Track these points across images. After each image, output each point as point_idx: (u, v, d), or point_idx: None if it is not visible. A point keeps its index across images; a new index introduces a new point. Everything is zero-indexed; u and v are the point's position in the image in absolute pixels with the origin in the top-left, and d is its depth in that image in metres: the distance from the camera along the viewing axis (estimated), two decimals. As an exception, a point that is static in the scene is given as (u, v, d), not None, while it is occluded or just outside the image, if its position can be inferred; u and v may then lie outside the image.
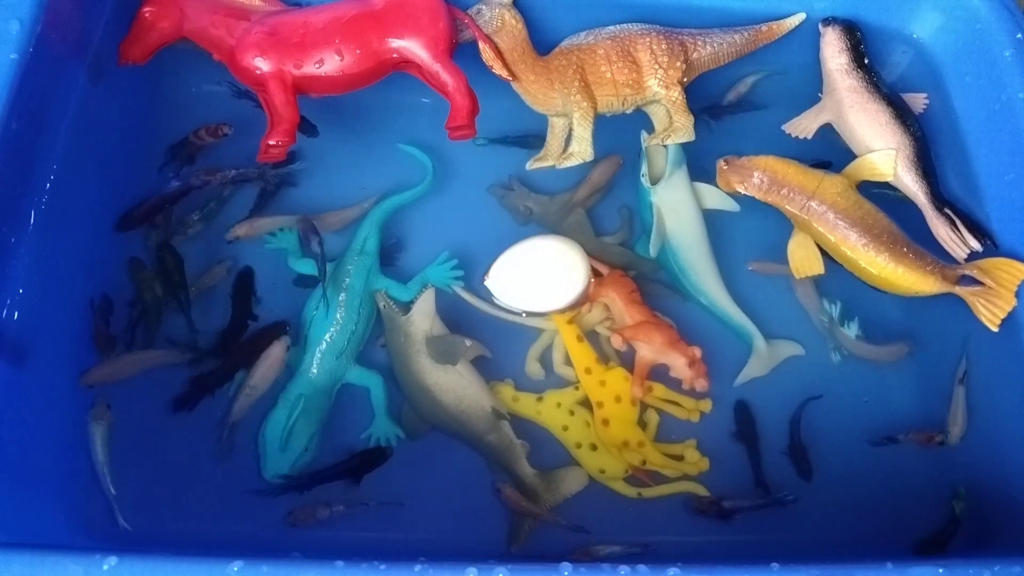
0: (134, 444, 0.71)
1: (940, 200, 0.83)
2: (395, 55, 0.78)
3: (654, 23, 0.86)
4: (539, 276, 0.78)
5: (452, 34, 0.79)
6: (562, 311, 0.80)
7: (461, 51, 0.81)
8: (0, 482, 0.63)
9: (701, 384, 0.77)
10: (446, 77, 0.78)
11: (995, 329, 0.76)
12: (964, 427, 0.78)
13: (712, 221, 0.85)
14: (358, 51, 0.77)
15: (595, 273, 0.82)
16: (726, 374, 0.80)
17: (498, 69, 0.80)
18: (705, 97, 0.89)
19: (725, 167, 0.82)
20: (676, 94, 0.84)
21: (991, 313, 0.77)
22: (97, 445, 0.69)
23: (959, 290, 0.78)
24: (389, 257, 0.82)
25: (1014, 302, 0.76)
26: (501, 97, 0.83)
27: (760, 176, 0.80)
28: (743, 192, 0.81)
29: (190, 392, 0.73)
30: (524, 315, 0.80)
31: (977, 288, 0.78)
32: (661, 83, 0.83)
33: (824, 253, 0.81)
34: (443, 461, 0.75)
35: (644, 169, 0.84)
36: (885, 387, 0.82)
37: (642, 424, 0.78)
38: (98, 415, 0.70)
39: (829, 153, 0.87)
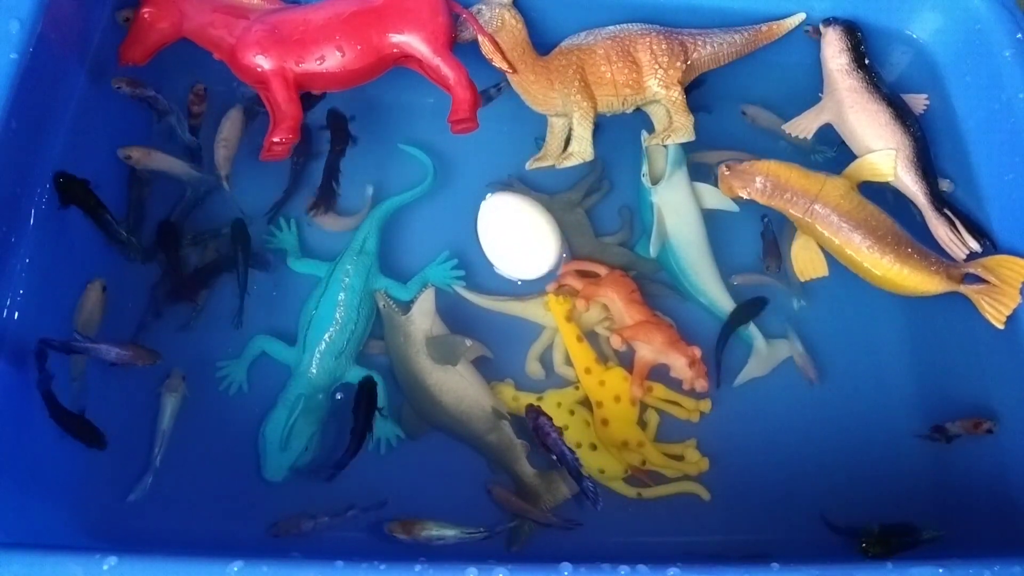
0: (135, 444, 0.71)
1: (939, 200, 0.83)
2: (395, 50, 0.78)
3: (654, 23, 0.86)
4: (514, 235, 0.81)
5: (451, 28, 0.79)
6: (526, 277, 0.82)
7: (461, 50, 0.81)
8: (0, 482, 0.63)
9: (701, 384, 0.77)
10: (447, 71, 0.78)
11: (1001, 326, 0.77)
12: None
13: (712, 221, 0.85)
14: (359, 47, 0.77)
15: (591, 272, 0.82)
16: (726, 374, 0.80)
17: (498, 62, 0.80)
18: (704, 96, 0.90)
19: (727, 173, 0.82)
20: (676, 94, 0.84)
21: (996, 311, 0.77)
22: (165, 415, 0.71)
23: (964, 289, 0.78)
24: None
25: (1019, 299, 0.76)
26: (501, 96, 0.83)
27: (762, 181, 0.80)
28: (746, 197, 0.81)
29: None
30: (519, 282, 0.82)
31: (982, 286, 0.78)
32: (661, 83, 0.83)
33: (827, 255, 0.81)
34: (443, 461, 0.75)
35: (645, 169, 0.84)
36: (885, 388, 0.82)
37: (642, 424, 0.78)
38: (172, 386, 0.72)
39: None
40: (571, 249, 0.84)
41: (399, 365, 0.77)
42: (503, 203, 0.81)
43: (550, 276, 0.82)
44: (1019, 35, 0.82)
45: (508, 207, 0.81)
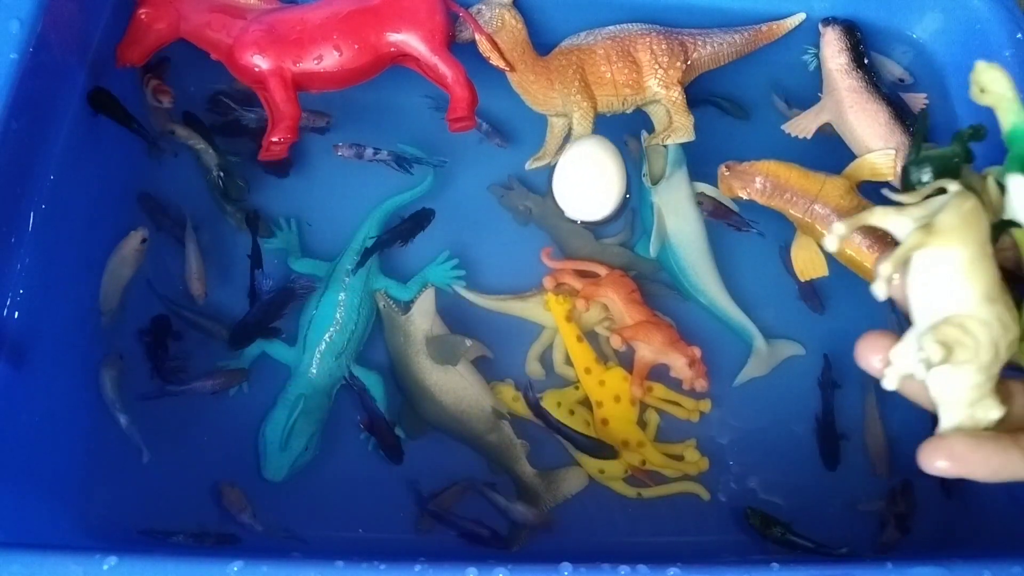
0: (135, 445, 0.71)
1: (939, 200, 0.83)
2: (393, 49, 0.78)
3: (654, 23, 0.86)
4: (584, 179, 0.81)
5: (449, 27, 0.79)
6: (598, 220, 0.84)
7: (460, 50, 0.81)
8: (0, 482, 0.63)
9: (701, 384, 0.77)
10: (445, 69, 0.78)
11: None
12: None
13: (712, 221, 0.85)
14: (356, 46, 0.77)
15: (591, 272, 0.82)
16: (726, 374, 0.80)
17: (495, 60, 0.80)
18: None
19: (727, 173, 0.82)
20: (676, 94, 0.84)
21: None
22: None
23: None
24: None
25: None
26: (501, 97, 0.83)
27: (762, 181, 0.80)
28: (745, 198, 0.81)
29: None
30: (580, 222, 0.84)
31: None
32: (661, 83, 0.83)
33: (827, 255, 0.81)
34: (443, 461, 0.75)
35: (645, 169, 0.84)
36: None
37: (642, 424, 0.78)
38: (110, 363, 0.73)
39: (829, 153, 0.87)
40: (571, 250, 0.84)
41: (399, 365, 0.77)
42: (582, 147, 0.82)
43: (611, 218, 0.84)
44: (1019, 35, 0.82)
45: (583, 151, 0.82)
